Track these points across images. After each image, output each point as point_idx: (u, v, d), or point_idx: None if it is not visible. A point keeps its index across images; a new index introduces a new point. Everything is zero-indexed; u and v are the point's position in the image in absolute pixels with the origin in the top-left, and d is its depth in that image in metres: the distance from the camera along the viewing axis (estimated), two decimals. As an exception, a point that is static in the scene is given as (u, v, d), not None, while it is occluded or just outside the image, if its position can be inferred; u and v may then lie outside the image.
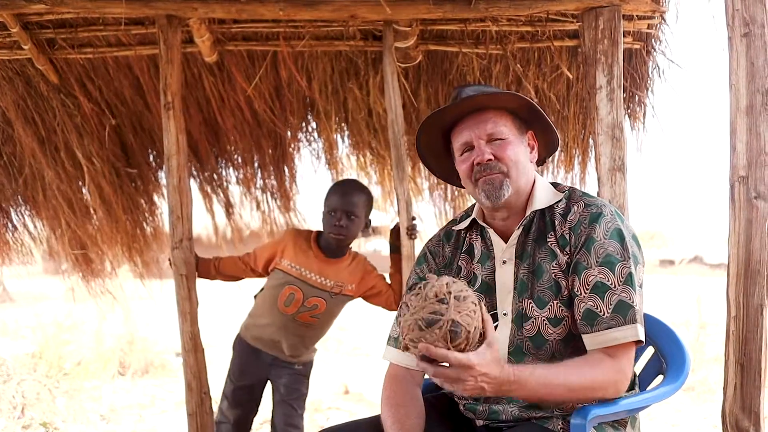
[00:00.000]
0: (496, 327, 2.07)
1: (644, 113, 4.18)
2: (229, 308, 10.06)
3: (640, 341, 1.98)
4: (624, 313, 1.95)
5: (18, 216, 4.99)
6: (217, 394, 3.82)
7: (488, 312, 2.00)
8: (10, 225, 4.96)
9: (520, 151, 2.15)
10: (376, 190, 5.42)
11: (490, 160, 2.10)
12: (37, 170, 4.63)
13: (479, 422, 2.20)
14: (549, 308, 2.06)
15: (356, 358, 10.06)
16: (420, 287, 1.79)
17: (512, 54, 4.04)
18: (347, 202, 3.41)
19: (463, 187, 2.28)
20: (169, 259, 3.63)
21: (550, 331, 2.06)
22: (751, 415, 2.60)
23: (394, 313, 2.45)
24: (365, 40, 4.05)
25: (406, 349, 1.80)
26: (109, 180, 4.67)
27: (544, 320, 2.06)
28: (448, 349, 1.71)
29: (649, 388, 2.33)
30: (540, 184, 2.20)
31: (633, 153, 4.39)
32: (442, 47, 4.06)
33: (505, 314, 2.12)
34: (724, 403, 2.67)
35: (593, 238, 2.02)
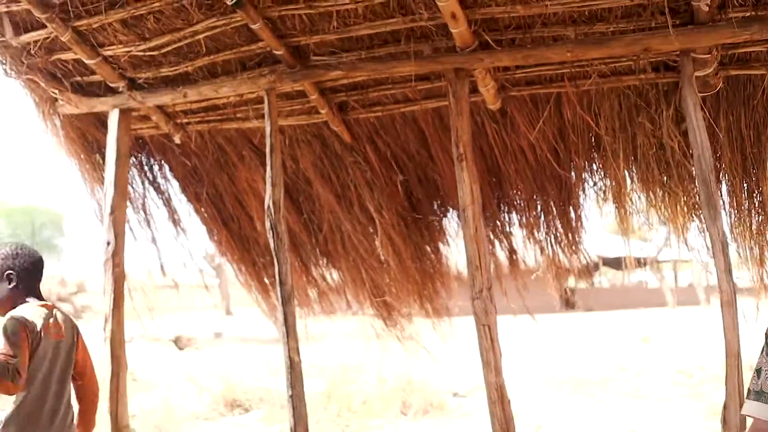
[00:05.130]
0: None
1: None
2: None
3: None
4: None
5: (317, 269, 5.33)
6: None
7: None
8: (310, 278, 5.31)
9: None
10: (666, 228, 5.08)
11: None
12: (335, 225, 4.91)
13: None
14: None
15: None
16: None
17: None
18: None
19: None
20: None
21: None
22: None
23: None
24: (657, 71, 3.83)
25: None
26: (397, 231, 4.83)
27: None
28: None
29: None
30: None
31: None
32: (745, 71, 3.72)
33: None
34: None
35: None
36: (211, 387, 10.65)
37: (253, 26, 3.67)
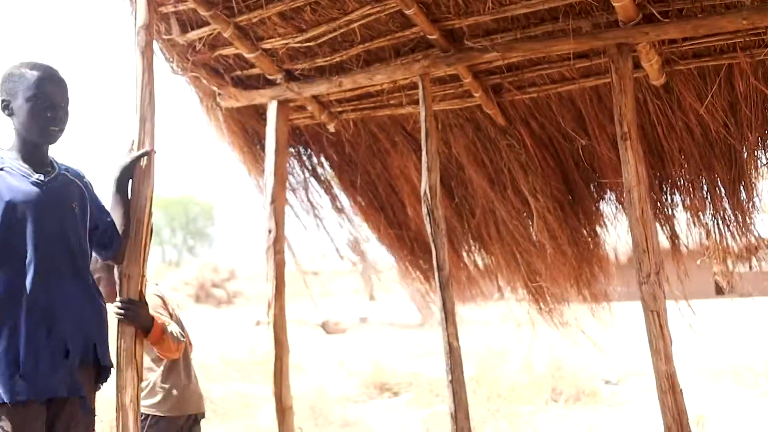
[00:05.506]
0: None
1: None
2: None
3: None
4: None
5: (469, 254, 5.29)
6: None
7: None
8: (461, 264, 5.28)
9: None
10: None
11: None
12: (488, 209, 4.86)
13: None
14: None
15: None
16: None
17: None
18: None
19: None
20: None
21: None
22: None
23: None
24: None
25: None
26: (554, 214, 4.72)
27: None
28: None
29: None
30: None
31: None
32: None
33: None
34: None
35: None
36: (359, 370, 10.88)
37: (407, 12, 3.67)
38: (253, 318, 18.91)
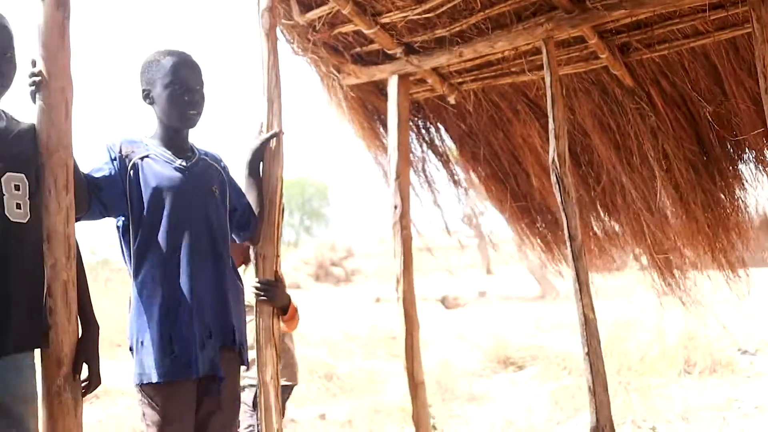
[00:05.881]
0: None
1: None
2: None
3: None
4: None
5: (597, 223, 5.13)
6: None
7: None
8: (591, 233, 5.13)
9: None
10: None
11: None
12: (614, 176, 4.69)
13: None
14: None
15: None
16: None
17: None
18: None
19: None
20: None
21: None
22: None
23: None
24: None
25: None
26: (686, 178, 4.49)
27: None
28: None
29: None
30: None
31: None
32: None
33: None
34: None
35: None
36: (481, 345, 10.82)
37: (528, -26, 3.57)
38: (372, 295, 19.14)
